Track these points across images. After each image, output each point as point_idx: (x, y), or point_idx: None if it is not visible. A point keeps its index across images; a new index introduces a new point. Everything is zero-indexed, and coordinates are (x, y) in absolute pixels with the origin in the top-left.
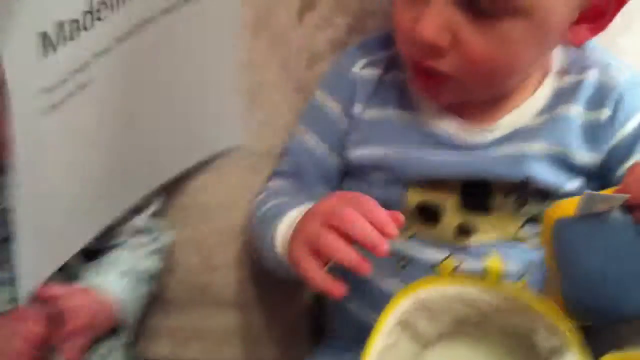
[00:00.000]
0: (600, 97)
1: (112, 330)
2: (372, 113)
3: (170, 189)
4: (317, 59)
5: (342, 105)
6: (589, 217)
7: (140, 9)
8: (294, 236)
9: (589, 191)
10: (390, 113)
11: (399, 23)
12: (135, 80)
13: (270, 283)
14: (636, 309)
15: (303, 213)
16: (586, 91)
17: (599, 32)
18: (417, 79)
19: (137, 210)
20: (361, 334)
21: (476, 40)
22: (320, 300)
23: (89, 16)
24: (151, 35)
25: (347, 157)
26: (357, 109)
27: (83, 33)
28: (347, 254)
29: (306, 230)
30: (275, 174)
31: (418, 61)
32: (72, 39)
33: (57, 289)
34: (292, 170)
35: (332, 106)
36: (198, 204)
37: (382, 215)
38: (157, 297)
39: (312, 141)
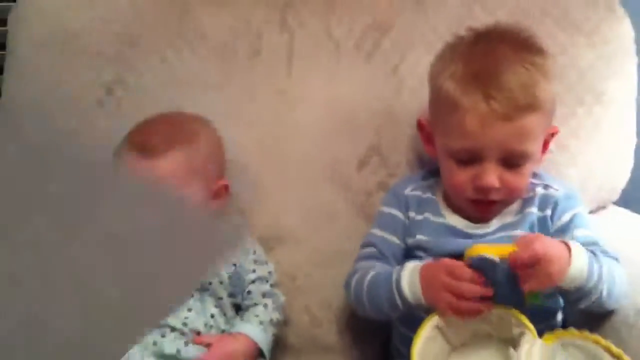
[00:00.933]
0: (545, 202)
1: None
2: (419, 216)
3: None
4: (370, 195)
5: (402, 213)
6: (485, 260)
7: None
8: (426, 286)
9: (485, 255)
10: (428, 216)
11: (458, 180)
12: None
13: (361, 331)
14: None
15: (418, 268)
16: (537, 199)
17: (540, 163)
18: (478, 208)
19: (263, 278)
20: None
21: (512, 179)
22: (390, 335)
23: None
24: None
25: (407, 242)
26: (411, 214)
27: None
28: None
29: (436, 286)
30: (363, 257)
31: (481, 199)
32: None
33: (210, 338)
34: (377, 255)
35: (397, 214)
36: (306, 284)
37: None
38: (281, 344)
39: (388, 236)
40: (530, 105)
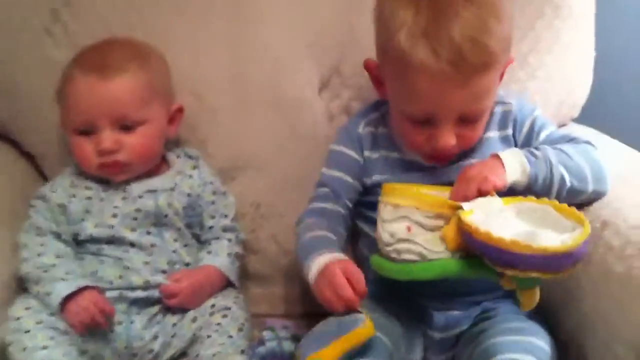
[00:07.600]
0: (504, 121)
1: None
2: (375, 155)
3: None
4: (332, 118)
5: (356, 153)
6: None
7: None
8: (318, 285)
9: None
10: (384, 153)
11: (414, 140)
12: None
13: None
14: None
15: (324, 264)
16: (497, 120)
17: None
18: (434, 160)
19: (224, 215)
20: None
21: (470, 133)
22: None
23: None
24: None
25: (364, 182)
26: (366, 153)
27: None
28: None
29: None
30: (317, 197)
31: (438, 155)
32: None
33: (178, 273)
34: (331, 195)
35: (350, 153)
36: (270, 212)
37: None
38: (249, 273)
39: (341, 175)
40: (484, 64)
